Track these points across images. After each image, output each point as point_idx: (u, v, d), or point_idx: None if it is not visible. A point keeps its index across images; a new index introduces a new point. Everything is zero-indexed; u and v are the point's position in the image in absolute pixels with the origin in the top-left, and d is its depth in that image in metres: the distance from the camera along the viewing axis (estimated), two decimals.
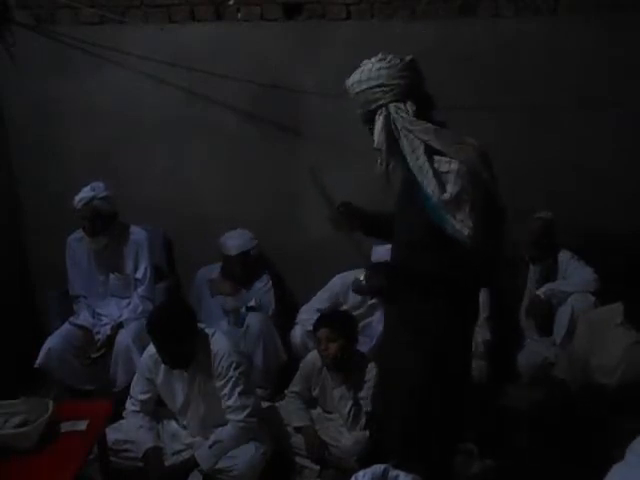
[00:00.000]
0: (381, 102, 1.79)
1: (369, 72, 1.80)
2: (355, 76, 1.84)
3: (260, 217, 3.64)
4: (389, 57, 1.81)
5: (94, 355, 3.23)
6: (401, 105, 1.76)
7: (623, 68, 3.36)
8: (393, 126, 1.77)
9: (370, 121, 1.83)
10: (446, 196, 1.67)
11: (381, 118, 1.78)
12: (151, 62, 3.51)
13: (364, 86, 1.80)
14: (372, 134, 1.86)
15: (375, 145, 1.80)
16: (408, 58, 1.82)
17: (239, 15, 3.51)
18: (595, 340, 2.74)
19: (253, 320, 3.34)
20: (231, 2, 3.49)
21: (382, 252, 2.97)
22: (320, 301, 3.37)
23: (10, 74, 3.44)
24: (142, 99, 3.59)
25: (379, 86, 1.78)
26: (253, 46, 3.50)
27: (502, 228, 1.81)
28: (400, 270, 1.85)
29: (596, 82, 3.38)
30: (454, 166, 1.68)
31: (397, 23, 3.40)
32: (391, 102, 1.77)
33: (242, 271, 3.44)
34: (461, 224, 1.67)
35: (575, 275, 3.26)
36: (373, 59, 1.83)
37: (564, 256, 3.33)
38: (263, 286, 3.52)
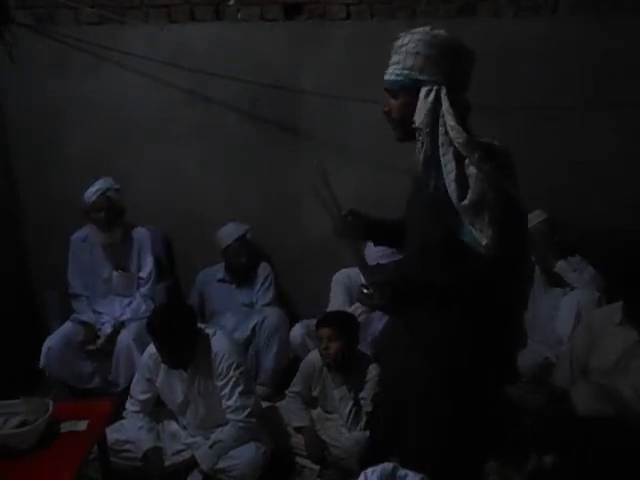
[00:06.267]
0: (434, 79, 1.59)
1: (442, 41, 1.59)
2: (426, 35, 1.60)
3: (260, 217, 3.64)
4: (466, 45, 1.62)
5: (91, 348, 3.22)
6: (452, 94, 1.60)
7: (623, 68, 3.37)
8: (440, 111, 1.59)
9: (400, 90, 1.64)
10: (465, 202, 1.55)
11: (431, 96, 1.59)
12: (151, 62, 3.51)
13: (430, 52, 1.58)
14: (386, 112, 1.69)
15: (417, 124, 1.61)
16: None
17: (239, 15, 3.51)
18: (594, 341, 2.73)
19: (270, 315, 3.35)
20: (231, 2, 3.50)
21: (375, 250, 2.97)
22: (337, 299, 3.37)
23: (10, 74, 3.44)
24: (142, 99, 3.60)
25: (448, 63, 1.59)
26: (253, 46, 3.50)
27: (525, 237, 1.69)
28: (408, 284, 1.64)
29: (596, 82, 3.38)
30: (472, 170, 1.56)
31: (397, 23, 3.40)
32: (444, 85, 1.59)
33: (245, 259, 3.45)
34: (479, 233, 1.55)
35: (582, 275, 3.26)
36: (443, 32, 1.61)
37: (572, 259, 3.33)
38: (267, 275, 3.54)
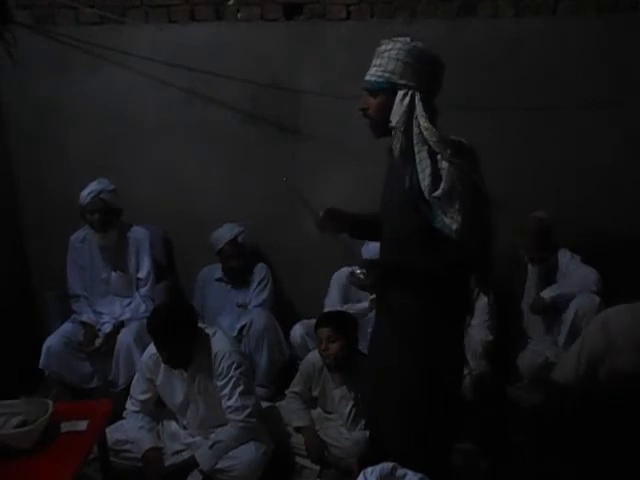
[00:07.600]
0: (410, 84, 1.75)
1: (420, 51, 1.76)
2: (407, 45, 1.76)
3: (259, 217, 3.64)
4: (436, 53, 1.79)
5: (89, 349, 3.22)
6: (425, 99, 1.76)
7: (623, 68, 3.37)
8: (414, 113, 1.75)
9: (379, 91, 1.81)
10: (438, 193, 1.72)
11: (407, 99, 1.75)
12: (151, 62, 3.51)
13: (410, 60, 1.75)
14: (364, 108, 1.85)
15: (393, 124, 1.77)
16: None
17: (239, 15, 3.52)
18: (614, 341, 2.59)
19: (257, 317, 3.34)
20: (231, 2, 3.50)
21: (373, 249, 2.96)
22: (331, 297, 3.38)
23: (10, 74, 3.44)
24: (142, 99, 3.60)
25: (423, 71, 1.75)
26: (253, 46, 3.50)
27: (489, 225, 1.85)
28: (394, 264, 1.86)
29: (596, 82, 3.38)
30: (444, 164, 1.72)
31: (397, 23, 3.40)
32: (419, 90, 1.75)
33: (239, 261, 3.46)
34: (450, 220, 1.72)
35: (575, 275, 3.24)
36: (421, 43, 1.78)
37: (564, 256, 3.32)
38: (263, 277, 3.54)
